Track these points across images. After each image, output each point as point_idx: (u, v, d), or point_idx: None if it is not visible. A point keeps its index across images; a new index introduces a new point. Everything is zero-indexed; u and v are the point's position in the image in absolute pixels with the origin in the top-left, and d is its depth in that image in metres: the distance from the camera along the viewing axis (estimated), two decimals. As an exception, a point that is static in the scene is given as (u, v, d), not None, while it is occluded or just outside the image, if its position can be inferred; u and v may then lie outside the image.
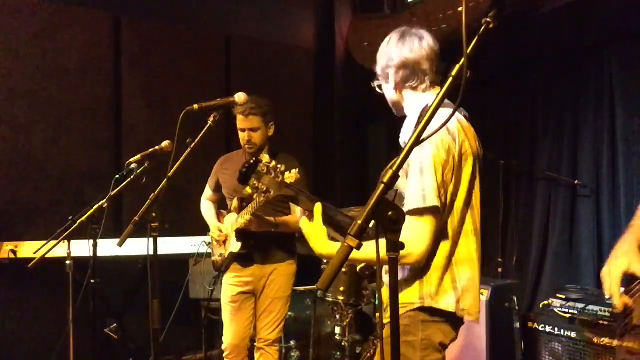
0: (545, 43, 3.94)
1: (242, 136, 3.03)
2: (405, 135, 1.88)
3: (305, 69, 5.36)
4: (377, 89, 2.01)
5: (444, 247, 1.76)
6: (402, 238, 1.56)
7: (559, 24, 3.84)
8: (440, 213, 1.70)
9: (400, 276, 1.78)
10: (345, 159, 5.50)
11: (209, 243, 3.28)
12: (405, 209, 1.69)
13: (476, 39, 1.23)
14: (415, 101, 1.88)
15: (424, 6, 4.57)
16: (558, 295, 3.30)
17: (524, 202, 4.10)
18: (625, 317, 1.54)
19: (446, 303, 1.76)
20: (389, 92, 1.96)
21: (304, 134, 5.16)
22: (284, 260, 3.15)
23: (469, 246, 1.80)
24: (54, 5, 4.08)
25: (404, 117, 1.94)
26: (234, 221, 3.02)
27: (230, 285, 3.12)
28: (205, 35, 4.79)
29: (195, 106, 2.27)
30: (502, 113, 4.34)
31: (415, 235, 1.67)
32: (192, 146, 2.30)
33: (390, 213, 1.18)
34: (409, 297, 1.78)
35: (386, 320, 1.76)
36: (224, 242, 3.11)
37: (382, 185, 1.18)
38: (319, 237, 1.77)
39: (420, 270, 1.77)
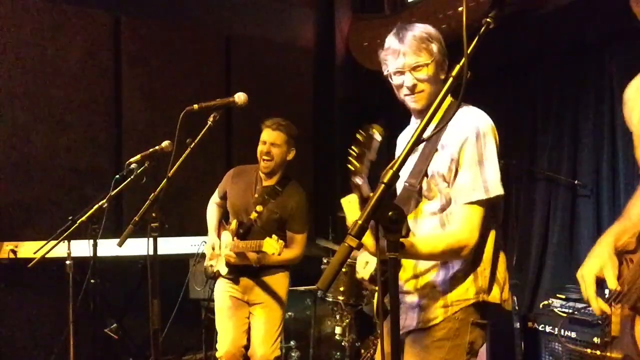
0: (545, 43, 3.94)
1: (262, 148, 3.00)
2: (431, 127, 1.72)
3: (305, 69, 5.35)
4: (403, 73, 1.76)
5: (492, 239, 1.75)
6: (457, 231, 1.65)
7: (559, 24, 3.83)
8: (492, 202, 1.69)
9: (445, 273, 1.75)
10: (345, 159, 5.48)
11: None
12: (463, 200, 1.67)
13: (476, 39, 1.23)
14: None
15: (424, 6, 4.57)
16: (558, 295, 3.30)
17: (524, 202, 4.10)
18: (605, 326, 1.50)
19: (494, 296, 1.76)
20: (439, 82, 1.77)
21: (304, 134, 5.14)
22: (276, 272, 3.11)
23: (499, 238, 1.80)
24: (54, 5, 4.08)
25: (417, 112, 1.83)
26: (226, 244, 3.04)
27: (223, 291, 3.12)
28: (205, 35, 4.78)
29: (195, 106, 2.27)
30: (502, 113, 4.33)
31: (471, 227, 1.65)
32: (192, 146, 2.30)
33: (390, 213, 1.18)
34: (464, 293, 1.73)
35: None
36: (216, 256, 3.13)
37: (382, 185, 1.18)
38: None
39: (471, 264, 1.73)
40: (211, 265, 3.12)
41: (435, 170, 1.73)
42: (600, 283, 1.48)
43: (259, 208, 2.98)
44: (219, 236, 3.17)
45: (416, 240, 1.66)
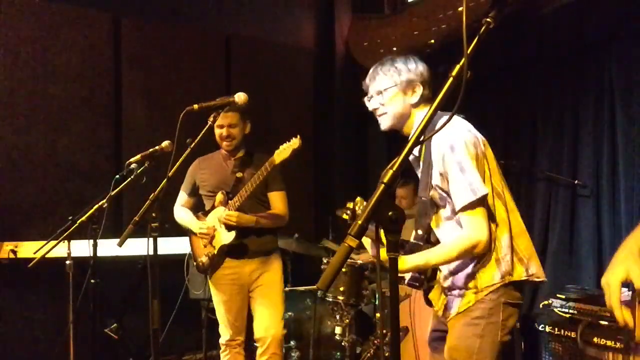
0: (545, 43, 3.94)
1: (220, 133, 3.05)
2: (416, 149, 2.01)
3: (305, 69, 5.35)
4: (373, 104, 2.12)
5: (506, 225, 1.96)
6: (466, 235, 1.88)
7: (559, 24, 3.84)
8: (488, 197, 1.90)
9: (473, 265, 1.98)
10: (345, 159, 5.49)
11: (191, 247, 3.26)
12: (457, 208, 1.89)
13: (476, 39, 1.23)
14: (419, 116, 2.06)
15: (424, 6, 4.57)
16: (558, 295, 3.30)
17: (524, 202, 4.09)
18: (628, 332, 1.46)
19: (519, 274, 1.96)
20: (402, 106, 2.06)
21: (304, 134, 5.13)
22: (270, 253, 3.16)
23: (518, 219, 2.02)
24: (54, 5, 4.08)
25: (396, 133, 2.12)
26: (221, 213, 3.01)
27: (220, 284, 3.12)
28: (205, 35, 4.78)
29: (195, 106, 2.27)
30: (502, 113, 4.34)
31: (476, 226, 1.87)
32: (192, 146, 2.31)
33: (390, 213, 1.18)
34: (490, 279, 1.95)
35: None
36: (211, 240, 3.10)
37: (382, 186, 1.18)
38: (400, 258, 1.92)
39: (493, 254, 1.95)
40: (207, 254, 3.09)
41: (435, 183, 1.97)
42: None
43: (239, 174, 3.06)
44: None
45: (430, 255, 1.93)
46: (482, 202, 1.87)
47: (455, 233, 1.95)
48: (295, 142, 2.86)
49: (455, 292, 2.04)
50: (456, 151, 1.87)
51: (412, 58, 2.10)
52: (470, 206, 1.86)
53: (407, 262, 1.91)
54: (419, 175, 2.05)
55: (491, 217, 1.93)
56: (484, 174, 1.91)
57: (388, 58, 2.11)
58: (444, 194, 1.96)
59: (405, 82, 2.04)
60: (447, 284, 2.07)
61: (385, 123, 2.10)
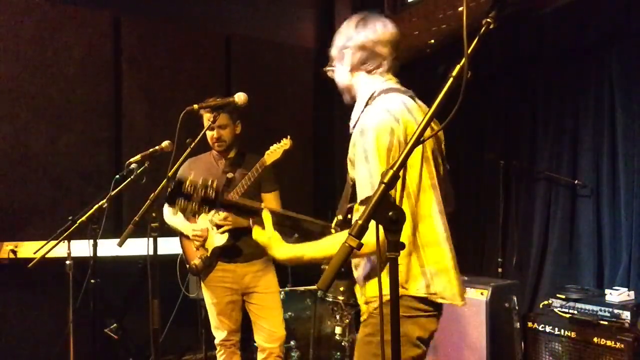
0: (545, 43, 3.94)
1: (211, 135, 3.01)
2: (352, 120, 1.86)
3: (305, 68, 5.35)
4: (329, 73, 1.98)
5: (405, 231, 1.64)
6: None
7: (559, 24, 3.84)
8: None
9: (364, 271, 1.76)
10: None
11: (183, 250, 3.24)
12: (358, 199, 1.67)
13: (477, 39, 1.23)
14: (367, 85, 1.86)
15: (424, 6, 4.56)
16: (558, 295, 3.30)
17: (524, 202, 4.10)
18: None
19: (416, 288, 1.69)
20: (342, 75, 1.92)
21: (304, 134, 5.15)
22: (263, 255, 3.11)
23: (432, 228, 1.72)
24: (54, 5, 4.08)
25: (353, 104, 1.91)
26: (212, 216, 2.99)
27: (213, 286, 3.10)
28: (205, 35, 4.78)
29: (195, 106, 2.27)
30: (502, 113, 4.34)
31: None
32: (192, 146, 2.31)
33: (390, 213, 1.18)
34: (377, 289, 1.61)
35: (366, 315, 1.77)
36: (203, 242, 3.08)
37: (382, 186, 1.18)
38: (276, 244, 1.76)
39: (379, 260, 1.67)
40: (200, 257, 3.08)
41: (349, 166, 1.80)
42: None
43: (229, 175, 3.03)
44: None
45: (309, 249, 1.72)
46: None
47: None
48: (286, 143, 2.85)
49: (358, 297, 1.83)
50: (365, 136, 1.66)
51: (369, 23, 1.88)
52: (367, 202, 1.61)
53: (280, 251, 1.74)
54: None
55: None
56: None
57: (353, 21, 1.91)
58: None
59: (346, 52, 1.90)
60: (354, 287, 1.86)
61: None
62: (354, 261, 1.80)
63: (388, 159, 1.64)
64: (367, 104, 1.81)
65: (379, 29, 1.85)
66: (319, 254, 1.70)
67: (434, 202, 1.73)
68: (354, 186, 1.74)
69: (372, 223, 1.37)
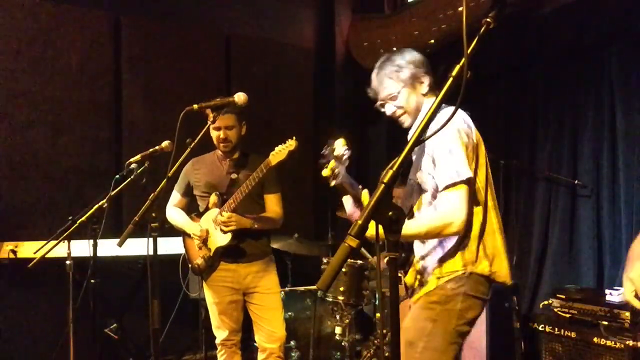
0: (545, 43, 3.94)
1: (217, 135, 3.01)
2: (423, 131, 2.00)
3: (305, 68, 5.35)
4: (389, 109, 2.15)
5: (478, 218, 1.99)
6: (441, 211, 1.92)
7: (559, 24, 3.84)
8: (472, 184, 1.93)
9: (441, 251, 2.02)
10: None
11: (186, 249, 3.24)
12: (440, 188, 1.92)
13: (476, 39, 1.23)
14: (430, 102, 2.09)
15: (424, 6, 4.57)
16: (558, 295, 3.30)
17: (524, 202, 4.10)
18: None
19: (482, 268, 1.98)
20: (416, 100, 2.11)
21: (304, 134, 5.15)
22: (265, 256, 3.15)
23: (492, 219, 2.04)
24: (54, 5, 4.08)
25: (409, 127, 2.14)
26: (215, 216, 3.00)
27: (215, 286, 3.10)
28: (205, 35, 4.78)
29: (195, 106, 2.27)
30: (502, 113, 4.34)
31: (454, 205, 1.89)
32: (192, 146, 2.30)
33: (390, 213, 1.18)
34: (453, 266, 1.99)
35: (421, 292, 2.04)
36: (205, 242, 3.08)
37: (382, 185, 1.18)
38: None
39: (460, 241, 1.98)
40: (202, 256, 3.09)
41: (424, 166, 2.01)
42: None
43: (233, 176, 3.04)
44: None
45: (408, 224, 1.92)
46: (467, 183, 1.90)
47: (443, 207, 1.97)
48: (291, 144, 2.84)
49: (425, 276, 2.08)
50: (448, 137, 1.91)
51: (407, 51, 2.14)
52: (453, 186, 1.89)
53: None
54: (413, 158, 2.09)
55: (474, 207, 1.97)
56: (470, 162, 1.94)
57: (385, 59, 2.15)
58: (431, 178, 1.99)
59: (410, 77, 2.09)
60: (418, 267, 2.11)
61: (407, 121, 2.15)
62: (432, 246, 2.04)
63: (466, 154, 1.91)
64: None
65: (415, 54, 2.13)
66: (411, 231, 1.94)
67: (491, 197, 2.06)
68: (419, 186, 2.05)
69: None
